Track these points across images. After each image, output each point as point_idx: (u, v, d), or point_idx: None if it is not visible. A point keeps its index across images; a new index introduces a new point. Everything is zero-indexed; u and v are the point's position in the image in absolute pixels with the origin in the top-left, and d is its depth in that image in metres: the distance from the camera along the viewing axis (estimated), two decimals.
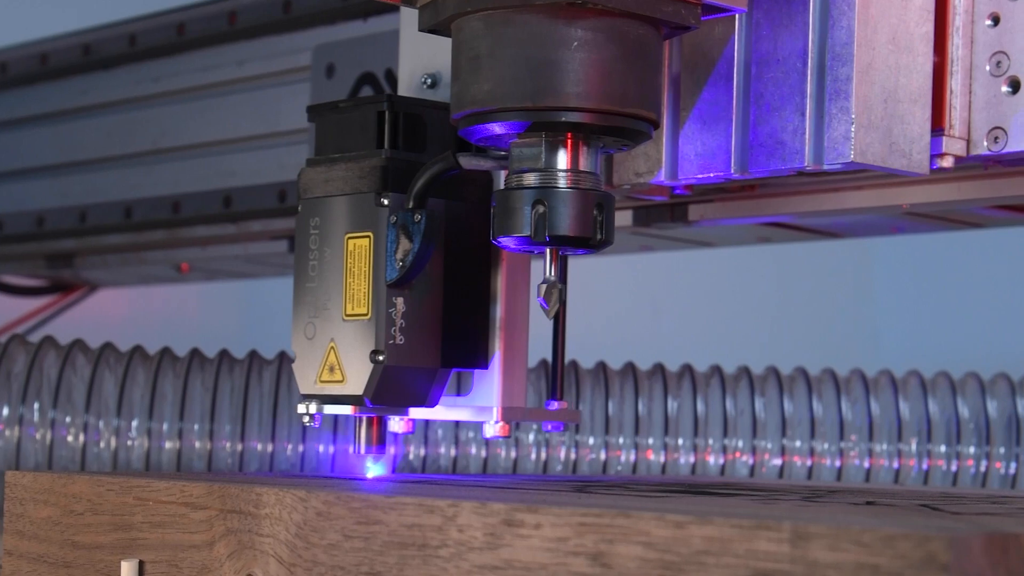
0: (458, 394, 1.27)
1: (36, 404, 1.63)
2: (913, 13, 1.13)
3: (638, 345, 2.08)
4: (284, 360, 1.70)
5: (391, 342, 1.18)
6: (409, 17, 1.29)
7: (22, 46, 1.96)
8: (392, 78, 1.64)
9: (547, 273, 1.14)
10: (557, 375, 1.26)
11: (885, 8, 1.11)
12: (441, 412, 1.25)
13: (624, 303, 2.87)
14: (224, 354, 1.71)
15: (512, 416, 1.24)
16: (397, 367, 1.18)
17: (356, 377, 1.18)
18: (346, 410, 1.21)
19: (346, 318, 1.19)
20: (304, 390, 1.22)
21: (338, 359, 1.20)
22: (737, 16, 1.16)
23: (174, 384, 1.66)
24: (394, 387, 1.19)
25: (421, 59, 1.30)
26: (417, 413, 1.24)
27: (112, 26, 1.88)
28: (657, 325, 2.95)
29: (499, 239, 1.14)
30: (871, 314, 3.17)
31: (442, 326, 1.21)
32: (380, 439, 1.24)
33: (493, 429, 1.24)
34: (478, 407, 1.24)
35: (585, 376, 1.76)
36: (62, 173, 1.93)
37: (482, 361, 1.24)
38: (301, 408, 1.23)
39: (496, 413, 1.23)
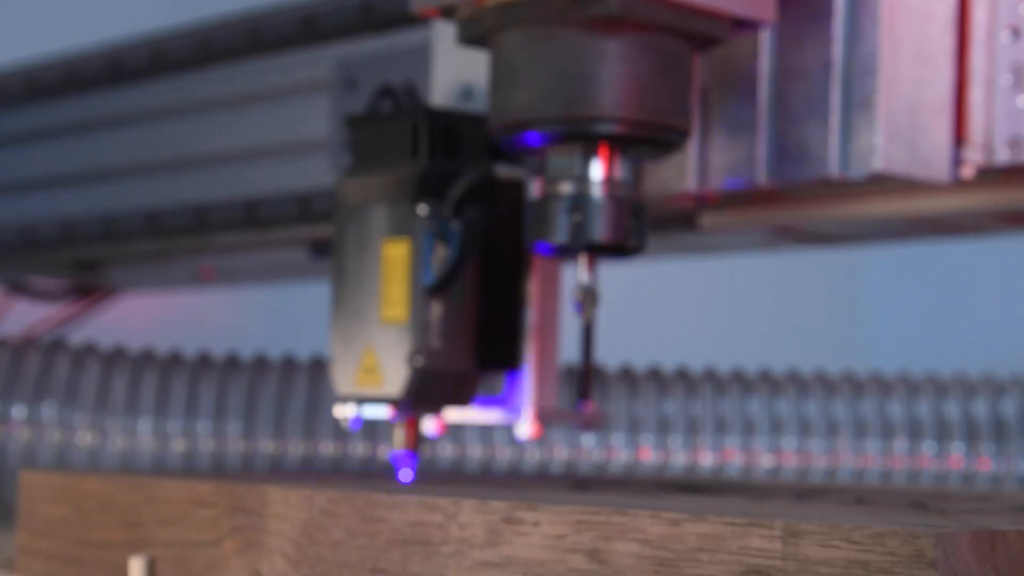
0: None
1: (49, 405, 1.65)
2: (936, 27, 1.16)
3: (635, 346, 2.11)
4: (289, 362, 1.73)
5: (428, 346, 1.21)
6: (443, 30, 1.32)
7: (50, 58, 1.98)
8: (412, 91, 1.66)
9: (582, 279, 1.17)
10: (587, 377, 1.29)
11: (909, 22, 1.15)
12: (474, 414, 1.28)
13: (620, 306, 2.89)
14: (232, 357, 1.73)
15: (545, 417, 1.27)
16: (433, 370, 1.21)
17: (393, 380, 1.21)
18: (383, 412, 1.24)
19: (383, 323, 1.22)
20: (341, 393, 1.25)
21: (375, 363, 1.22)
22: None
23: (183, 386, 1.68)
24: (430, 390, 1.22)
25: (455, 71, 1.32)
26: (451, 415, 1.27)
27: (138, 39, 1.90)
28: (652, 328, 2.97)
29: (535, 245, 1.17)
30: (862, 319, 3.20)
31: (477, 330, 1.24)
32: (415, 442, 1.26)
33: (526, 430, 1.27)
34: (511, 408, 1.27)
35: None
36: (89, 182, 1.95)
37: (516, 364, 1.27)
38: (339, 410, 1.26)
39: (529, 414, 1.27)
